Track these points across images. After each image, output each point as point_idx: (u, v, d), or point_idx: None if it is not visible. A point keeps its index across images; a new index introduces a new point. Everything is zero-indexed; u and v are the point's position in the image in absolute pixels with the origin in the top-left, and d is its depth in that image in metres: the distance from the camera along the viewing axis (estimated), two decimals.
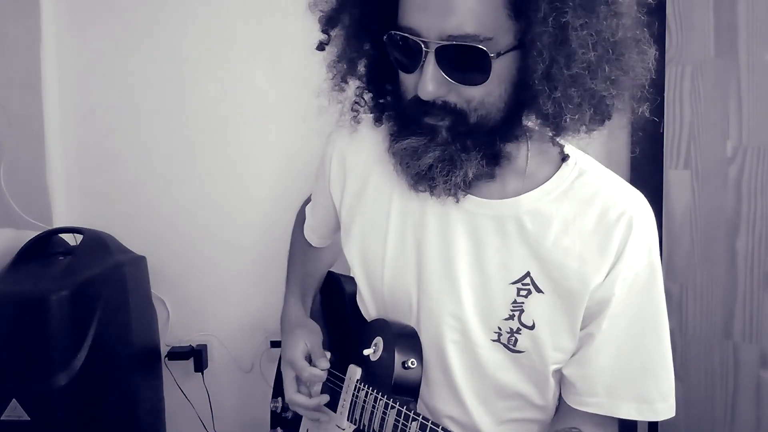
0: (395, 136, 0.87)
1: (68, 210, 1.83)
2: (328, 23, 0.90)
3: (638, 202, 0.87)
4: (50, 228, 1.69)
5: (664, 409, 0.87)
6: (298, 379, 1.06)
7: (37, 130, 1.74)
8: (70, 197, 1.83)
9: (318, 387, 1.08)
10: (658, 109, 1.63)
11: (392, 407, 0.88)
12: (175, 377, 1.86)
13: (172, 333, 1.88)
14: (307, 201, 1.22)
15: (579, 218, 0.85)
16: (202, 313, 1.89)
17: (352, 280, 1.06)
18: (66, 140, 1.82)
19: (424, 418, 0.83)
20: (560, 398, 0.95)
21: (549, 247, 0.85)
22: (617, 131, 1.68)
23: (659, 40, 1.63)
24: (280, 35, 1.77)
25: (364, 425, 0.94)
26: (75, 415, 1.42)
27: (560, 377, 0.93)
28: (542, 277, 0.86)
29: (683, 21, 1.59)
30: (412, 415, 0.84)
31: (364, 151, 0.99)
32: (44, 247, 1.63)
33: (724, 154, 1.56)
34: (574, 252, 0.85)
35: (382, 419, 0.89)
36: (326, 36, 0.91)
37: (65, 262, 1.57)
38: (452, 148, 0.82)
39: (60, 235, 1.69)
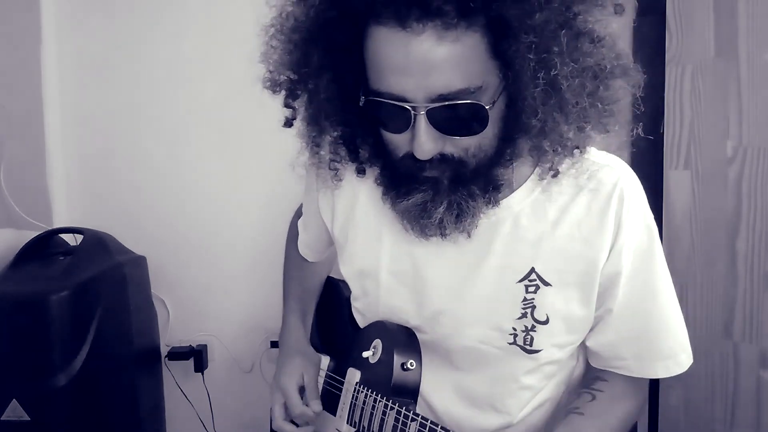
0: (396, 194, 0.83)
1: (68, 210, 1.83)
2: (291, 96, 0.85)
3: (622, 171, 0.87)
4: (50, 228, 1.69)
5: (686, 358, 0.89)
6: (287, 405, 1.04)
7: (37, 130, 1.75)
8: (70, 197, 1.84)
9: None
10: (658, 109, 1.63)
11: (391, 408, 0.88)
12: (175, 377, 1.87)
13: (172, 333, 1.89)
14: (298, 214, 1.18)
15: (572, 204, 0.85)
16: (202, 313, 1.90)
17: None
18: (66, 140, 1.82)
19: (423, 418, 0.83)
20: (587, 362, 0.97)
21: (549, 239, 0.85)
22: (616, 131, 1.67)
23: (659, 40, 1.62)
24: None
25: (363, 427, 0.93)
26: (75, 415, 1.42)
27: (584, 350, 0.95)
28: (547, 270, 0.86)
29: (683, 21, 1.59)
30: (411, 415, 0.84)
31: (349, 169, 0.95)
32: (44, 247, 1.63)
33: (724, 154, 1.55)
34: (575, 238, 0.85)
35: (382, 421, 0.89)
36: (291, 110, 0.87)
37: (65, 262, 1.56)
38: (458, 196, 0.79)
39: (60, 235, 1.69)
